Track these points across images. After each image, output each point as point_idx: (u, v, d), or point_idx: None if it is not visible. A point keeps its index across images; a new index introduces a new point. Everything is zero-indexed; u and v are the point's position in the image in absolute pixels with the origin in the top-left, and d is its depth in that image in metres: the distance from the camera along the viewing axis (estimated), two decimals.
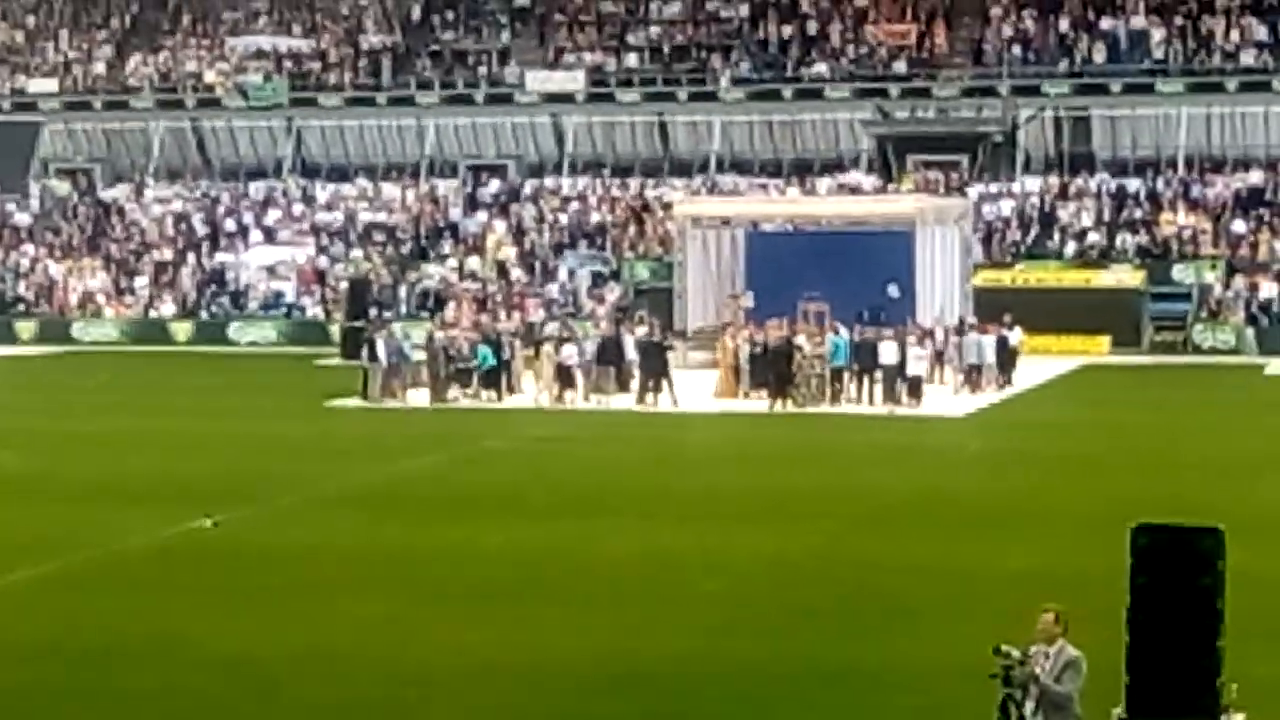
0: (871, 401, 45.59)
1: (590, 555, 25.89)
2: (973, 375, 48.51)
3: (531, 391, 47.73)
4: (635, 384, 46.64)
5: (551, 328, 52.53)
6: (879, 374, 45.61)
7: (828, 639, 21.17)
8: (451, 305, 61.57)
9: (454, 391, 47.01)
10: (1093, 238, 65.19)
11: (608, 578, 24.32)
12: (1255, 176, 68.17)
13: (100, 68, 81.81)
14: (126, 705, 17.78)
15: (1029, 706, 13.45)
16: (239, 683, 18.43)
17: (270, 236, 72.85)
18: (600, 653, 19.72)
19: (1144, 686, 13.79)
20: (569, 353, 46.85)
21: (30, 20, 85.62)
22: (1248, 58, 69.72)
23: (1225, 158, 70.58)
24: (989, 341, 48.80)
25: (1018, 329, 50.35)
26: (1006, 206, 68.10)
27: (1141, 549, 13.81)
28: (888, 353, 45.06)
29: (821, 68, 73.35)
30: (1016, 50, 72.03)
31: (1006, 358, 49.50)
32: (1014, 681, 13.45)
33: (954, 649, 19.01)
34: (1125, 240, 64.69)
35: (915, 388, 44.89)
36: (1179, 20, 71.28)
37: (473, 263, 68.35)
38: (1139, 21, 71.66)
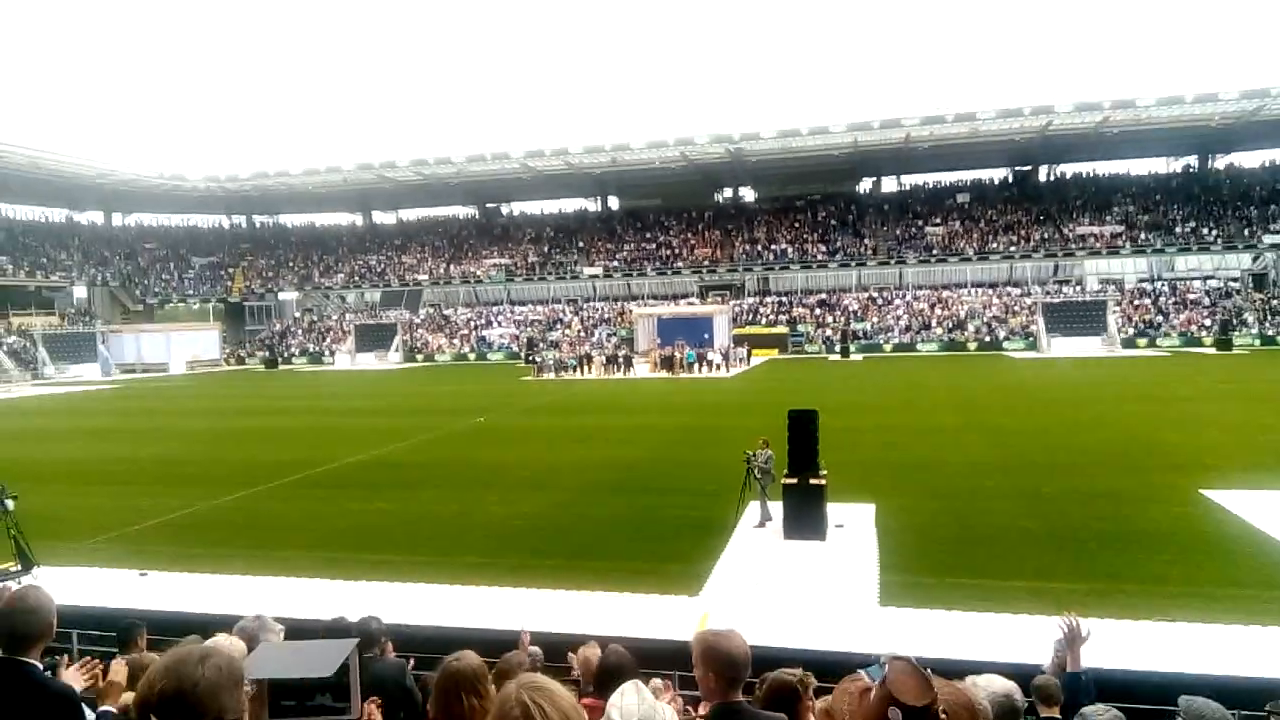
0: None
1: None
2: None
3: None
4: None
5: None
6: None
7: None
8: None
9: None
10: None
11: None
12: None
13: None
14: None
15: (756, 472, 25.20)
16: None
17: None
18: None
19: (794, 463, 24.53)
20: None
21: None
22: None
23: None
24: None
25: None
26: None
27: (792, 417, 24.81)
28: None
29: None
30: None
31: None
32: (752, 463, 25.14)
33: (726, 456, 31.63)
34: None
35: None
36: None
37: None
38: None
